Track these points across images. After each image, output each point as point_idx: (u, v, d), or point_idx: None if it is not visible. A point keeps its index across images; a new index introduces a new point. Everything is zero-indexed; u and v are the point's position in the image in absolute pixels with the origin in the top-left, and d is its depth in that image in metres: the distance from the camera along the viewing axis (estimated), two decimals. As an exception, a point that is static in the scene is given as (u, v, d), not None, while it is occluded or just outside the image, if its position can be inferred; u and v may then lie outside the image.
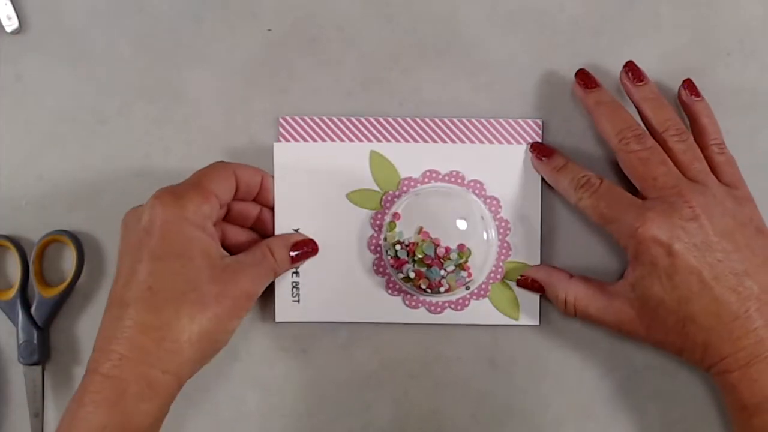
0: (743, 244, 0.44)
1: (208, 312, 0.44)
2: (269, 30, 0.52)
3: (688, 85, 0.50)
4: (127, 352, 0.42)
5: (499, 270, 0.51)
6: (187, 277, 0.44)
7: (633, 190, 0.47)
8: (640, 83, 0.49)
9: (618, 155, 0.47)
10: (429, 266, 0.49)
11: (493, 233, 0.50)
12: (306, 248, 0.50)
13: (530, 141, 0.51)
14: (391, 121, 0.51)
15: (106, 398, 0.42)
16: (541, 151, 0.50)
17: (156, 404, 0.43)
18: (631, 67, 0.49)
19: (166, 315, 0.43)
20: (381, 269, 0.51)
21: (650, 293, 0.45)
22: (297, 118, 0.51)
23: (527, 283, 0.50)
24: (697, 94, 0.49)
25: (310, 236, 0.51)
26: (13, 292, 0.50)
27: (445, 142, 0.51)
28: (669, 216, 0.44)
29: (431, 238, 0.49)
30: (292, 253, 0.49)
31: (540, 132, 0.51)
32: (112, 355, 0.42)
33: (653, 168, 0.46)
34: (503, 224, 0.51)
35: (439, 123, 0.51)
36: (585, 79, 0.49)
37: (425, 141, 0.51)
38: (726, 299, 0.43)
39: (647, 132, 0.47)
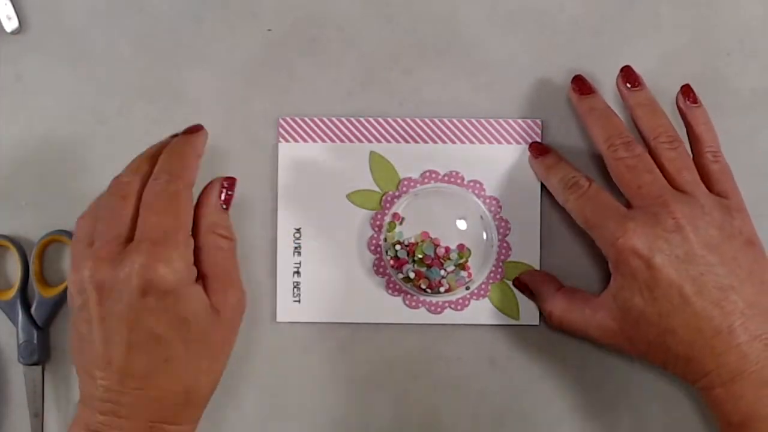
0: (730, 257, 0.43)
1: (222, 360, 0.46)
2: (269, 30, 0.52)
3: (686, 90, 0.49)
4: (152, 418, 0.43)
5: (499, 270, 0.51)
6: (197, 341, 0.44)
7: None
8: (635, 88, 0.48)
9: (607, 162, 0.47)
10: (429, 266, 0.49)
11: (493, 233, 0.50)
12: (230, 188, 0.47)
13: (530, 141, 0.51)
14: (391, 121, 0.51)
15: None
16: (537, 149, 0.50)
17: None
18: (627, 72, 0.49)
19: (191, 377, 0.44)
20: (381, 269, 0.51)
21: (630, 305, 0.44)
22: (297, 119, 0.51)
23: (520, 286, 0.51)
24: (695, 101, 0.49)
25: (311, 237, 0.51)
26: (13, 292, 0.50)
27: (444, 142, 0.51)
28: (651, 227, 0.43)
29: (431, 238, 0.50)
30: (224, 199, 0.47)
31: (540, 132, 0.51)
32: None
33: (639, 176, 0.45)
34: (503, 224, 0.51)
35: (439, 123, 0.51)
36: (580, 85, 0.49)
37: (425, 141, 0.51)
38: (708, 314, 0.42)
39: (635, 140, 0.47)
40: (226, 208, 0.47)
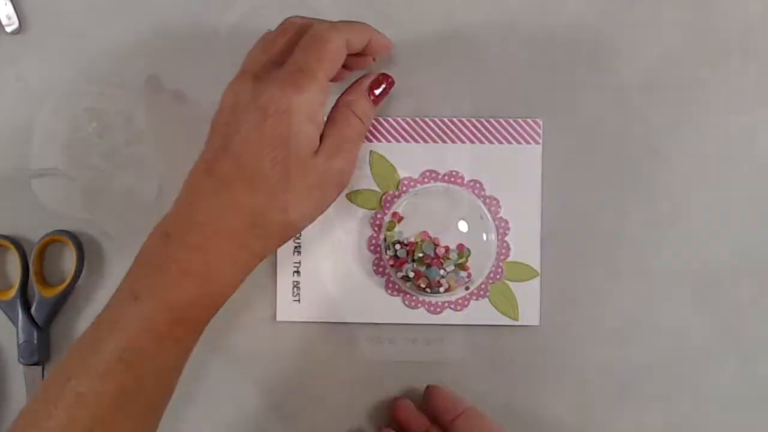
0: None
1: (301, 207, 0.44)
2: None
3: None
4: (221, 229, 0.43)
5: (499, 270, 0.51)
6: (286, 168, 0.43)
7: None
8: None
9: None
10: (428, 266, 0.49)
11: (492, 233, 0.50)
12: (386, 84, 0.47)
13: (530, 141, 0.51)
14: (391, 121, 0.51)
15: (197, 270, 0.42)
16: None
17: (238, 278, 0.44)
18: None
19: (264, 201, 0.43)
20: (381, 269, 0.51)
21: None
22: (297, 118, 0.51)
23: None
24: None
25: (311, 236, 0.51)
26: (13, 292, 0.51)
27: (445, 142, 0.51)
28: None
29: (431, 237, 0.49)
30: (376, 92, 0.47)
31: (540, 132, 0.51)
32: (205, 229, 0.42)
33: None
34: (503, 224, 0.51)
35: (439, 123, 0.51)
36: None
37: (425, 141, 0.51)
38: None
39: None
40: (374, 100, 0.47)
